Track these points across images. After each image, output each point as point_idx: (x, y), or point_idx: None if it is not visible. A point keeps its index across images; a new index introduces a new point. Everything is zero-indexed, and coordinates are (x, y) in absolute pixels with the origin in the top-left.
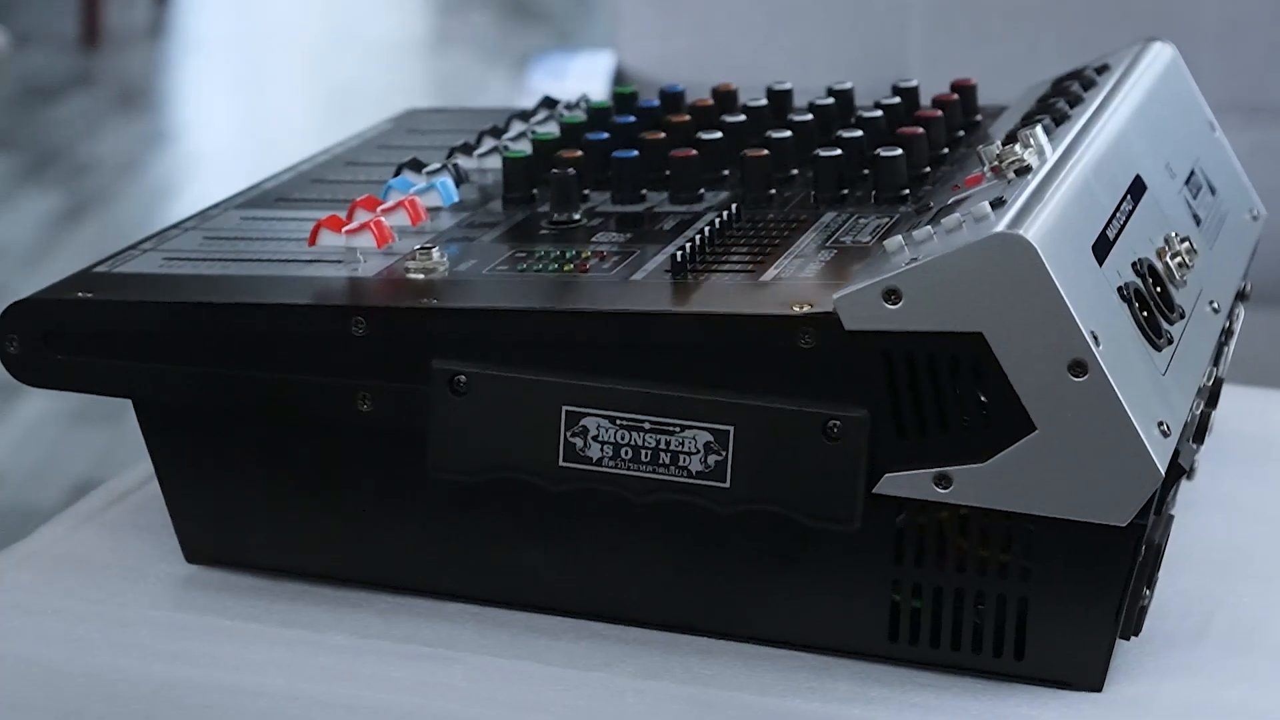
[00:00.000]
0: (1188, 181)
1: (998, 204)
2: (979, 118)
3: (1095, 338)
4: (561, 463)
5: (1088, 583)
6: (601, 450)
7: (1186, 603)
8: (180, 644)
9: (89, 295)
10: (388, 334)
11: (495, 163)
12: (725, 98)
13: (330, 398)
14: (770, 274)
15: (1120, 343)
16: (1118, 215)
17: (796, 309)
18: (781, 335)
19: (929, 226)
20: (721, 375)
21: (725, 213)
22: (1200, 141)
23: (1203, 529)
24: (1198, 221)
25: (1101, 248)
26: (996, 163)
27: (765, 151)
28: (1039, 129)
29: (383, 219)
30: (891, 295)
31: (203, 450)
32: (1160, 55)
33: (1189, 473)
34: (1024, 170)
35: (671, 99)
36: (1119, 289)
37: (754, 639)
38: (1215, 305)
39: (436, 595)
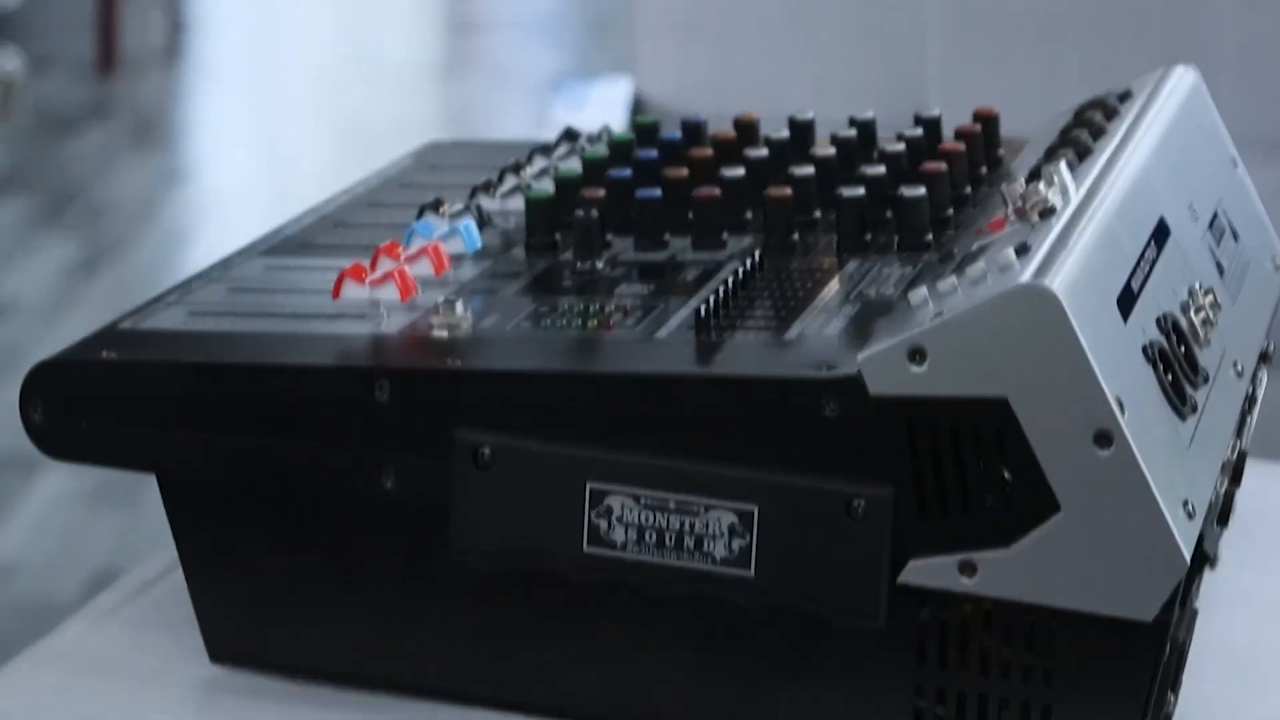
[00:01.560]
0: (1211, 226)
1: (1022, 251)
2: (1001, 151)
3: (1120, 404)
4: (586, 548)
5: (1111, 685)
6: (626, 534)
7: (1208, 711)
8: None
9: (114, 356)
10: (411, 399)
11: (518, 203)
12: (747, 129)
13: (355, 470)
14: (795, 330)
15: (1145, 410)
16: (1142, 264)
17: (823, 371)
18: (806, 401)
19: (953, 277)
20: (746, 445)
21: (749, 260)
22: (1223, 180)
23: (1223, 626)
24: (1221, 271)
25: (1126, 301)
26: (1020, 203)
27: (788, 191)
28: (1063, 165)
29: (406, 268)
30: (917, 355)
31: (228, 533)
32: (1183, 82)
33: (1212, 561)
34: (1048, 212)
35: (693, 130)
36: (1143, 348)
37: None
38: (1239, 368)
39: (463, 701)
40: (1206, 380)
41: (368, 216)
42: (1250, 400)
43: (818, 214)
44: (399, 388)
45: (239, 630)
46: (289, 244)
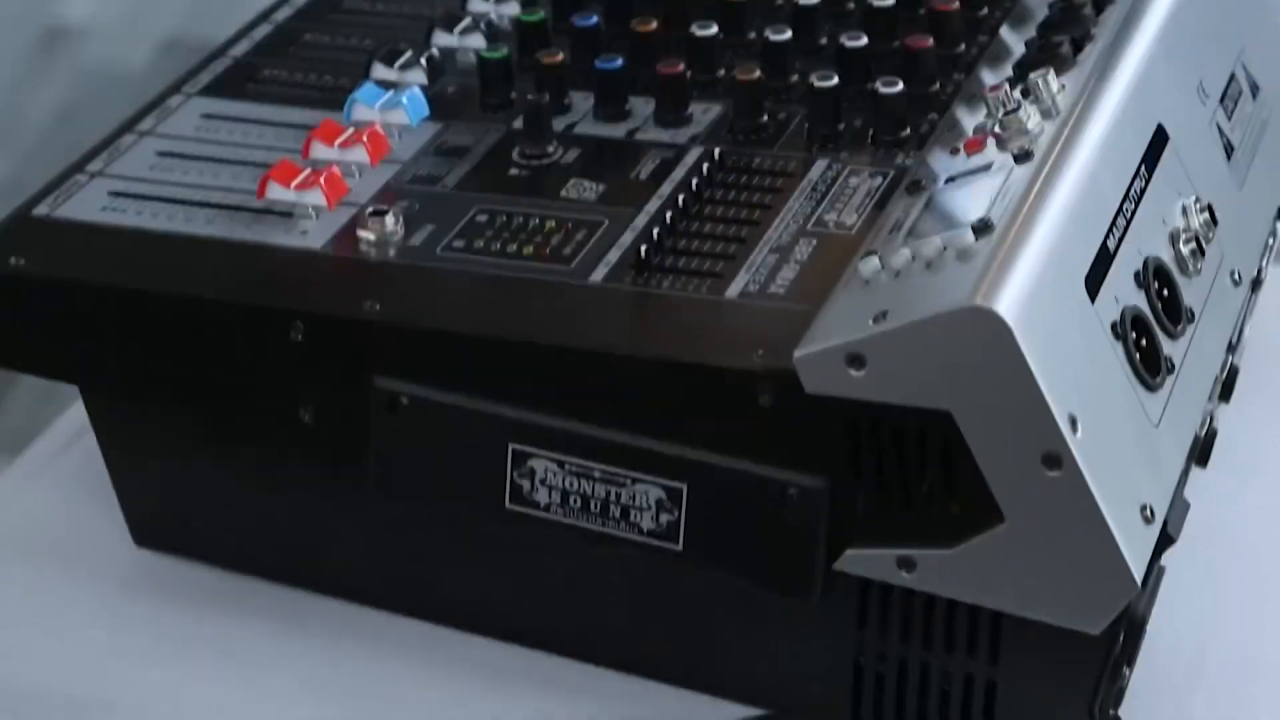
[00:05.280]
0: (1224, 96)
1: (982, 229)
2: None
3: (1074, 422)
4: (509, 505)
5: (1060, 668)
6: (549, 496)
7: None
8: (108, 664)
9: (22, 264)
10: (328, 343)
11: (478, 41)
12: None
13: (273, 405)
14: (738, 283)
15: (1104, 410)
16: (1124, 209)
17: (757, 357)
18: (741, 389)
19: (906, 250)
20: (677, 422)
21: (705, 165)
22: (1249, 21)
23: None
24: (1229, 153)
25: (1097, 274)
26: (1000, 130)
27: (756, 74)
28: (1050, 76)
29: (335, 169)
30: (855, 360)
31: (150, 434)
32: None
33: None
34: (1024, 156)
35: None
36: (1113, 324)
37: (713, 691)
38: (1237, 276)
39: (386, 607)
40: (1192, 319)
41: (322, 34)
42: (1248, 302)
43: (794, 78)
44: (315, 331)
45: (163, 520)
46: (231, 79)
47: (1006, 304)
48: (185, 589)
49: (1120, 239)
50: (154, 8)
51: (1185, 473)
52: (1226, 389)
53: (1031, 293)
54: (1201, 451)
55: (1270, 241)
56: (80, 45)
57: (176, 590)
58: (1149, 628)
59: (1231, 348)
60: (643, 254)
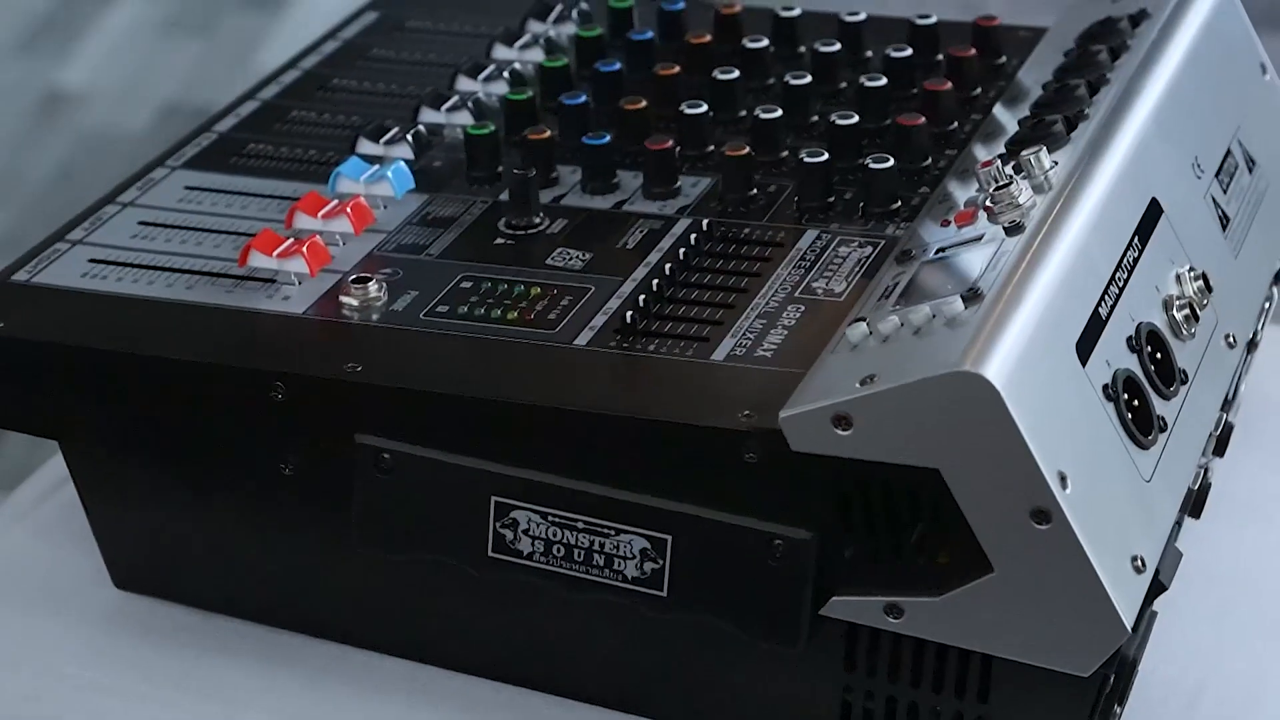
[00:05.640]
0: (1219, 171)
1: (972, 297)
2: (1003, 59)
3: (1063, 479)
4: (491, 553)
5: (1052, 706)
6: (532, 545)
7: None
8: (93, 702)
9: (2, 327)
10: (309, 403)
11: (465, 118)
12: (729, 26)
13: (253, 459)
14: (725, 347)
15: (1096, 467)
16: (1116, 278)
17: (742, 418)
18: (726, 447)
19: (894, 317)
20: (662, 478)
21: (694, 236)
22: (1246, 98)
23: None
24: (1224, 225)
25: (1089, 339)
26: (991, 204)
27: (745, 149)
28: (1043, 153)
29: (318, 238)
30: (841, 421)
31: (131, 483)
32: None
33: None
34: (1015, 229)
35: (670, 21)
36: (1104, 386)
37: None
38: (1232, 339)
39: (372, 648)
40: (1185, 380)
41: (308, 111)
42: (1264, 313)
43: (784, 153)
44: (296, 391)
45: (143, 563)
46: (216, 153)
47: (995, 368)
48: (169, 629)
49: (1112, 306)
50: (153, 75)
51: (1179, 524)
52: (1221, 444)
53: (1021, 357)
54: (1195, 504)
55: (1266, 305)
56: (80, 110)
57: (161, 630)
58: (1147, 665)
59: (1227, 405)
60: (628, 319)
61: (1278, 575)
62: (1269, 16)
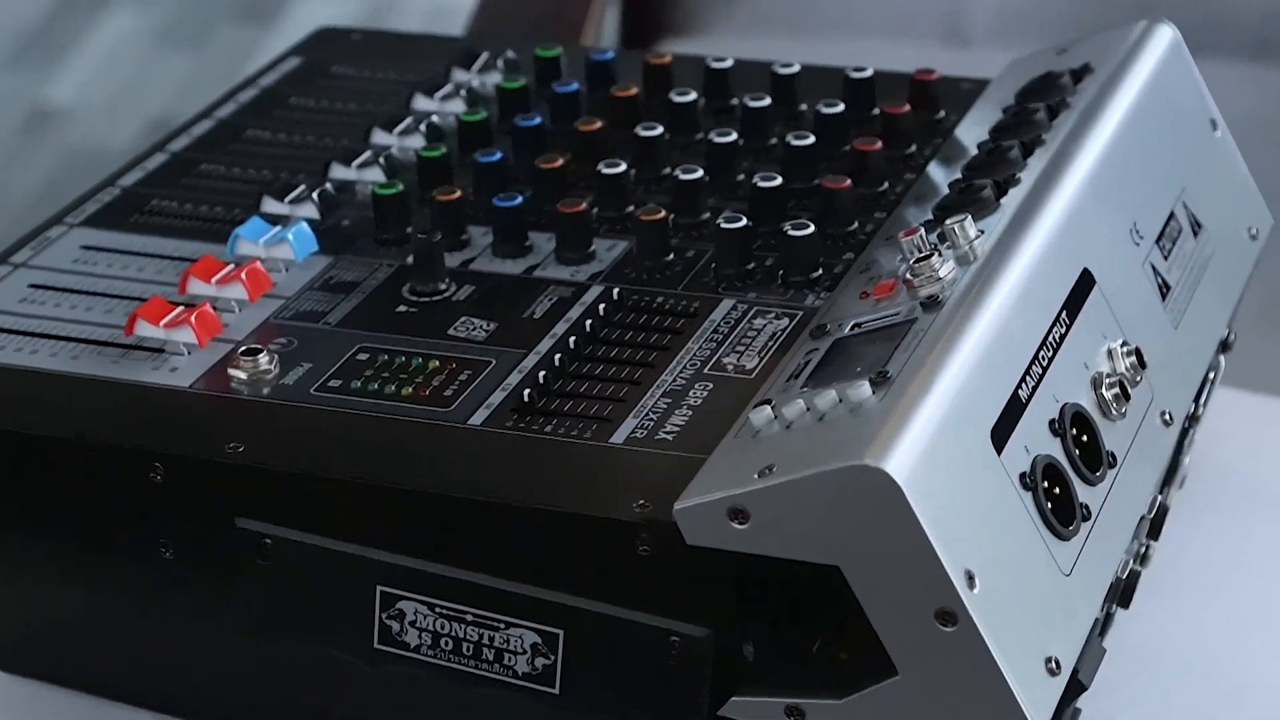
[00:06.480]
0: (1160, 237)
1: (879, 381)
2: (942, 114)
3: (971, 578)
4: (377, 645)
5: None
6: (420, 638)
7: None
8: None
9: None
10: (188, 486)
11: (376, 175)
12: (657, 77)
13: (134, 541)
14: (626, 429)
15: (1008, 563)
16: (1041, 357)
17: (637, 508)
18: (619, 540)
19: (800, 400)
20: (554, 569)
21: (601, 308)
22: (1193, 157)
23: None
24: (1164, 294)
25: (1006, 425)
26: (911, 276)
27: (660, 214)
28: (967, 223)
29: (209, 306)
30: (738, 515)
31: (11, 567)
32: (1157, 46)
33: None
34: (933, 304)
35: (598, 71)
36: (1022, 475)
37: None
38: (1168, 417)
39: None
40: (1114, 463)
41: (218, 165)
42: (1209, 380)
43: (706, 215)
44: (175, 472)
45: (26, 645)
46: (117, 209)
47: (898, 461)
48: (51, 714)
49: (1034, 387)
50: (142, 89)
51: (1108, 617)
52: (1155, 526)
53: (928, 449)
54: (1123, 593)
55: (1211, 375)
56: (67, 125)
57: (43, 715)
58: None
59: (1166, 484)
60: (526, 397)
61: (1225, 654)
62: (1262, 50)
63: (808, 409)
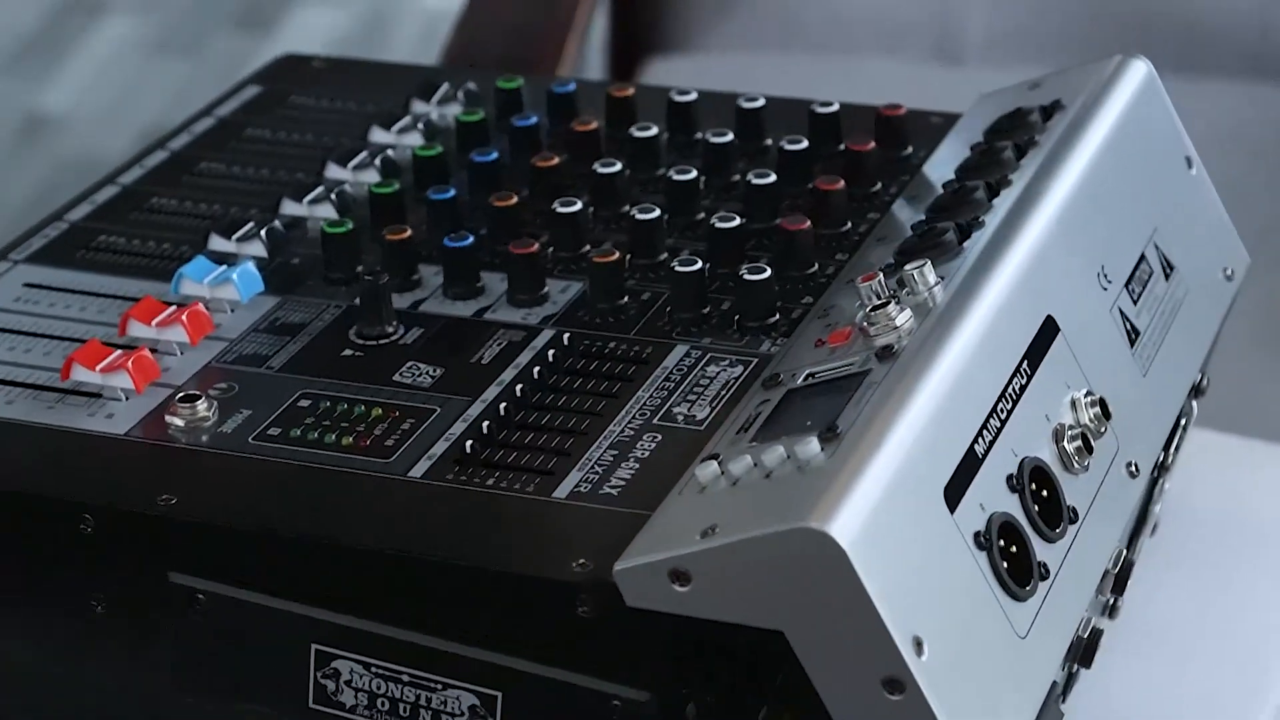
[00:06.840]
0: (1130, 281)
1: (828, 436)
2: (909, 150)
3: (919, 645)
4: (312, 704)
5: None
6: (356, 698)
7: None
8: None
9: None
10: (119, 538)
11: (328, 211)
12: (620, 110)
13: (65, 594)
14: (570, 482)
15: (960, 627)
16: (999, 409)
17: (577, 567)
18: (559, 600)
19: (748, 455)
20: (493, 628)
21: (550, 354)
22: (1166, 197)
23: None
24: (1132, 340)
25: (960, 482)
26: (867, 325)
27: (614, 255)
28: (927, 269)
29: (147, 350)
30: (679, 576)
31: None
32: (1130, 82)
33: None
34: (888, 355)
35: (559, 103)
36: (977, 534)
37: None
38: (1134, 468)
39: None
40: (1075, 518)
41: (170, 196)
42: (1180, 427)
43: (663, 256)
44: (105, 524)
45: None
46: (64, 244)
47: (843, 524)
48: None
49: (991, 441)
50: (137, 97)
51: (1070, 677)
52: (1120, 582)
53: (876, 509)
54: (1084, 652)
55: (1183, 421)
56: (61, 133)
57: None
58: None
59: (1134, 537)
60: (469, 448)
61: (1194, 709)
62: (1254, 67)
63: (755, 465)
